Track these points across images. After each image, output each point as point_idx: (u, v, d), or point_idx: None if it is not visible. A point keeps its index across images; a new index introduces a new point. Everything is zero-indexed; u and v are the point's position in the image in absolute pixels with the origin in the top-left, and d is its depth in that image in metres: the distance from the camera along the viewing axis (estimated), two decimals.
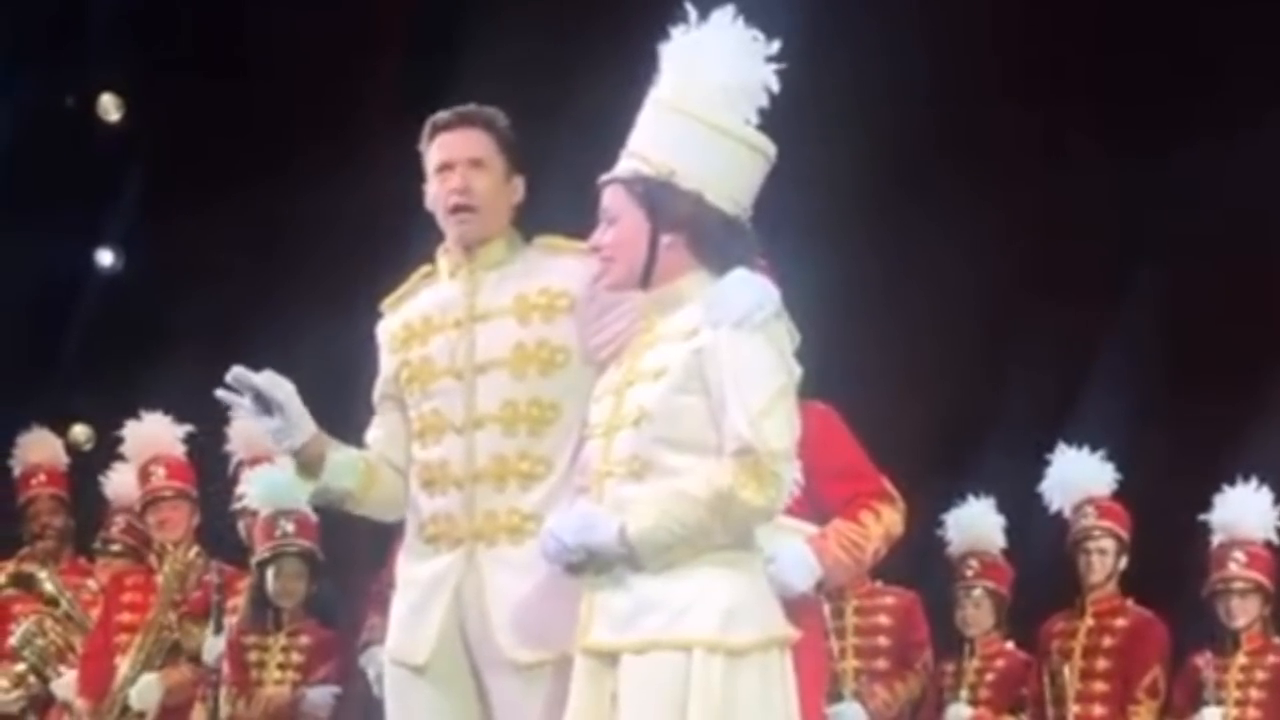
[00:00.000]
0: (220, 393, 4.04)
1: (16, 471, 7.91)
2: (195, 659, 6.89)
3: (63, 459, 7.96)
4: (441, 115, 4.17)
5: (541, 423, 4.05)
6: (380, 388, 4.25)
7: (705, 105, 3.84)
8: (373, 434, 4.25)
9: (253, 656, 6.87)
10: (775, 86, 3.87)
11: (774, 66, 3.86)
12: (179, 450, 7.31)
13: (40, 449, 7.94)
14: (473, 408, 4.07)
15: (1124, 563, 7.07)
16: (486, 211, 4.12)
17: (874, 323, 7.78)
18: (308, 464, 4.11)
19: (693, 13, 3.87)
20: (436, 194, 4.15)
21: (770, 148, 3.90)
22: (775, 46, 3.86)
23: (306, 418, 4.07)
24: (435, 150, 4.15)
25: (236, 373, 4.02)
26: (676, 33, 3.89)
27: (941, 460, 7.50)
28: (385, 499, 4.21)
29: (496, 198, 4.13)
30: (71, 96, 9.36)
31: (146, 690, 6.91)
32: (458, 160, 4.12)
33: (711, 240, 3.85)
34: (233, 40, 8.93)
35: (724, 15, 3.88)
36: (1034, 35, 8.12)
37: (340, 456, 4.13)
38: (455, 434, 4.08)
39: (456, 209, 4.11)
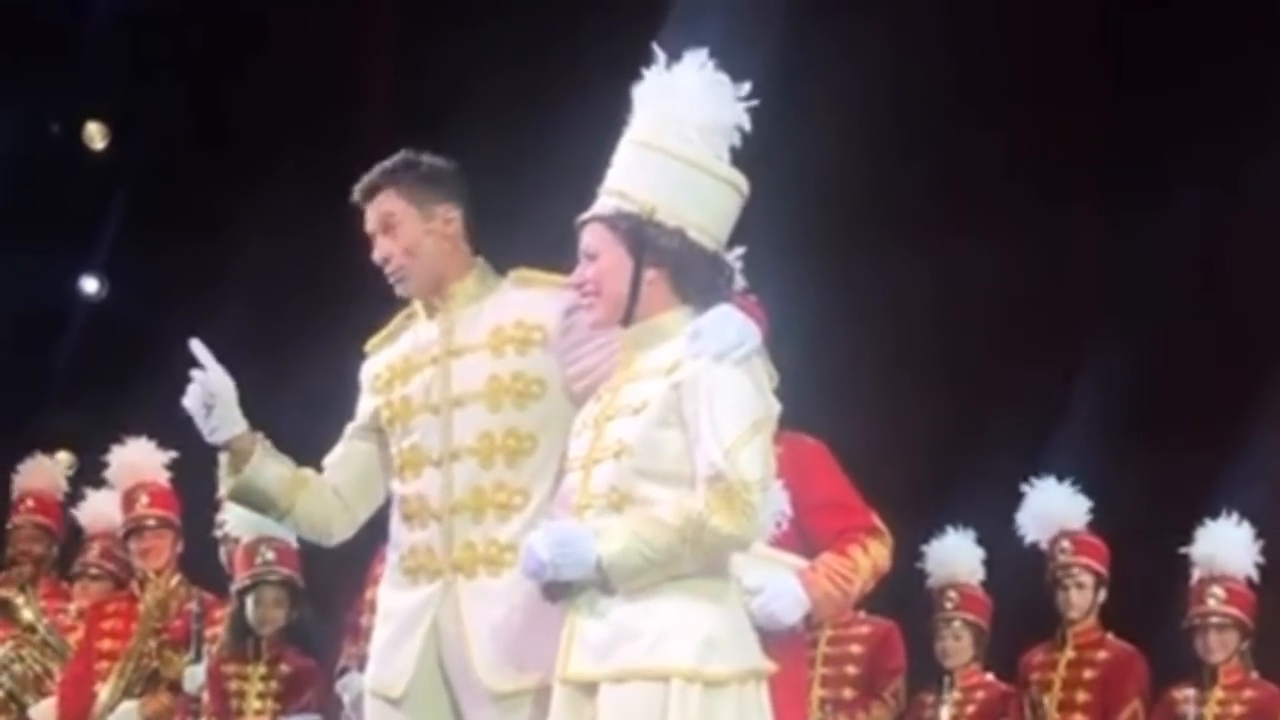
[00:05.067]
0: (195, 345, 4.12)
1: (15, 495, 7.91)
2: (174, 687, 6.88)
3: (59, 487, 7.91)
4: (353, 194, 4.22)
5: (518, 454, 4.07)
6: (351, 424, 4.29)
7: (682, 143, 3.88)
8: (330, 456, 4.29)
9: (233, 685, 6.85)
10: (747, 125, 3.92)
11: (745, 105, 3.91)
12: (163, 476, 7.30)
13: (37, 476, 7.91)
14: (449, 441, 4.10)
15: (1103, 595, 7.10)
16: (413, 264, 4.16)
17: (851, 356, 7.81)
18: (234, 458, 4.16)
19: (662, 55, 3.91)
20: None
21: (744, 183, 3.95)
22: (746, 88, 3.91)
23: (236, 413, 4.14)
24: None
25: (195, 346, 4.13)
26: (649, 74, 3.93)
27: (920, 492, 7.52)
28: (313, 515, 4.22)
29: (418, 247, 4.15)
30: (57, 124, 9.38)
31: (125, 718, 6.90)
32: (373, 231, 4.19)
33: (694, 276, 3.88)
34: (218, 70, 8.96)
35: (696, 56, 3.92)
36: (1009, 69, 8.18)
37: (270, 460, 4.17)
38: (433, 467, 4.11)
39: (387, 272, 4.18)
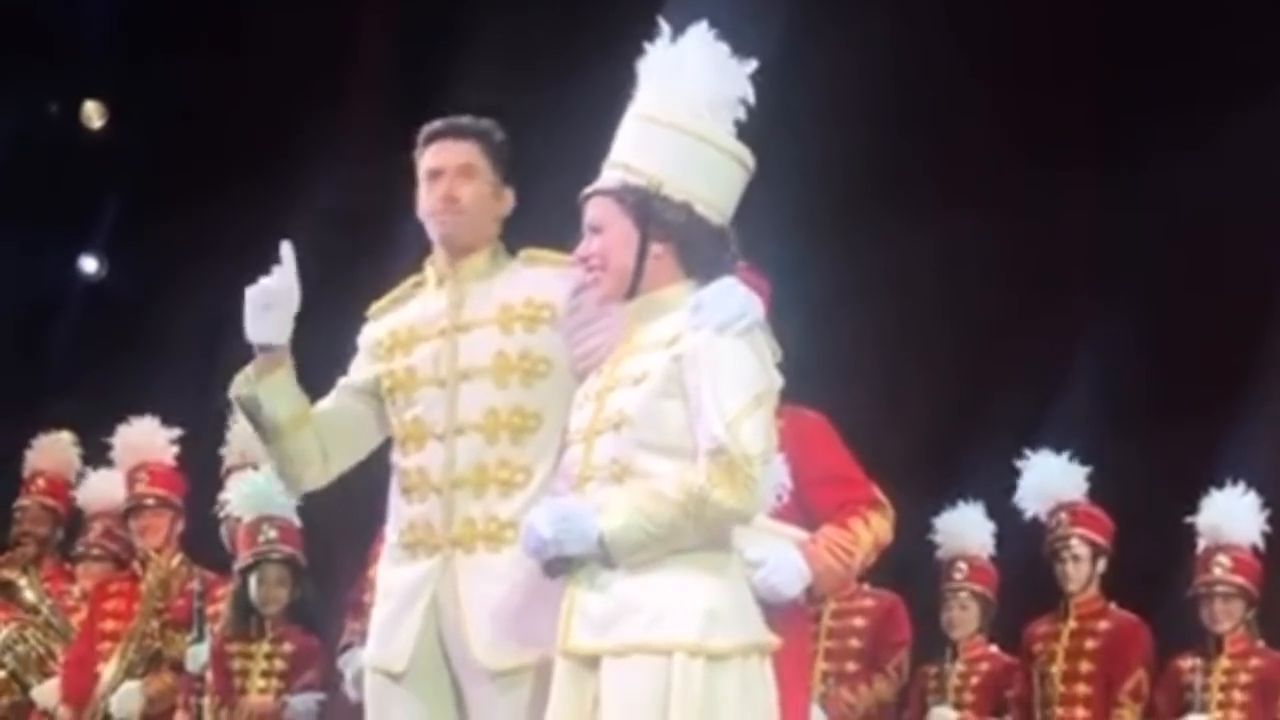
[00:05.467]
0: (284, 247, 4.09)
1: (27, 473, 7.89)
2: (177, 667, 6.89)
3: (72, 467, 7.88)
4: (435, 124, 4.20)
5: (523, 431, 4.06)
6: (344, 380, 4.26)
7: (688, 117, 3.87)
8: (318, 405, 4.24)
9: (236, 664, 6.85)
10: (751, 99, 3.90)
11: (749, 72, 3.89)
12: (168, 455, 7.29)
13: (49, 455, 7.89)
14: (454, 415, 4.08)
15: (1103, 565, 7.08)
16: (472, 216, 4.14)
17: (854, 331, 7.80)
18: (261, 367, 4.12)
19: (666, 29, 3.89)
20: (425, 200, 4.18)
21: (750, 158, 3.94)
22: (751, 62, 3.90)
23: (288, 326, 4.10)
24: (427, 158, 4.19)
25: (284, 247, 4.09)
26: (654, 48, 3.91)
27: (924, 466, 7.51)
28: (296, 456, 4.18)
29: (483, 205, 4.15)
30: (55, 103, 9.37)
31: (128, 698, 6.90)
32: (447, 167, 4.15)
33: (699, 250, 3.87)
34: (216, 47, 8.94)
35: (700, 30, 3.91)
36: (1008, 44, 8.16)
37: (290, 387, 4.13)
38: (436, 441, 4.10)
39: (443, 210, 4.14)
